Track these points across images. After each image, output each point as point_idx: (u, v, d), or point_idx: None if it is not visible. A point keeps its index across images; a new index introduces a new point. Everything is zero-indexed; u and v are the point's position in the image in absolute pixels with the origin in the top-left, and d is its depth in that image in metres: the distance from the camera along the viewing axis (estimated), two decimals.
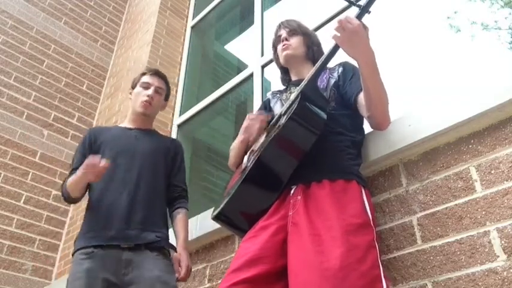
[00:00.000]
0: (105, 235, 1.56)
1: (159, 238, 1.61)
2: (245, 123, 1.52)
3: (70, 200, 1.71)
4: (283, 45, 1.58)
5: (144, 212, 1.63)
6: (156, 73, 1.94)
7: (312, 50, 1.60)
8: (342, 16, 1.24)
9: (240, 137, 1.55)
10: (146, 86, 1.87)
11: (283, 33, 1.61)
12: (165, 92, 1.95)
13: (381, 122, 1.36)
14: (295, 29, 1.62)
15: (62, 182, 1.81)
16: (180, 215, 1.76)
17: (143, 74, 1.94)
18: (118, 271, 1.51)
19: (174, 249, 1.70)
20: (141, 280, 1.49)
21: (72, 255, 1.60)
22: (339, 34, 1.22)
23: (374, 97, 1.29)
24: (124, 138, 1.81)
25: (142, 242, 1.57)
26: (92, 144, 1.81)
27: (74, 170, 1.75)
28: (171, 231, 1.75)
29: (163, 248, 1.62)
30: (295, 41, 1.59)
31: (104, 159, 1.52)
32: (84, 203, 1.78)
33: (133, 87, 1.94)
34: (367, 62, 1.25)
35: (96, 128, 1.95)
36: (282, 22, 1.66)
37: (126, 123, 1.91)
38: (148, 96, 1.84)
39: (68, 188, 1.66)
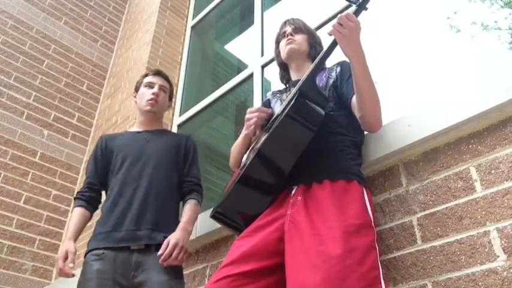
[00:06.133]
0: (115, 237, 1.58)
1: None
2: (246, 117, 1.53)
3: None
4: (288, 40, 1.59)
5: (155, 214, 1.65)
6: (158, 73, 1.97)
7: (315, 49, 1.61)
8: (343, 14, 1.24)
9: (243, 132, 1.55)
10: (150, 85, 1.91)
11: (289, 29, 1.62)
12: (168, 91, 1.97)
13: (373, 124, 1.35)
14: (300, 26, 1.63)
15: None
16: (187, 205, 1.74)
17: (145, 75, 1.97)
18: (127, 273, 1.53)
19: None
20: (149, 283, 1.50)
21: (85, 256, 1.62)
22: (338, 30, 1.22)
23: (365, 97, 1.29)
24: (135, 142, 1.83)
25: (152, 242, 1.58)
26: (103, 151, 1.85)
27: (88, 178, 1.81)
28: None
29: None
30: (300, 38, 1.60)
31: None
32: None
33: (136, 90, 1.96)
34: (359, 62, 1.26)
35: (107, 136, 1.96)
36: (287, 19, 1.67)
37: (136, 127, 1.95)
38: (153, 94, 1.87)
39: None
